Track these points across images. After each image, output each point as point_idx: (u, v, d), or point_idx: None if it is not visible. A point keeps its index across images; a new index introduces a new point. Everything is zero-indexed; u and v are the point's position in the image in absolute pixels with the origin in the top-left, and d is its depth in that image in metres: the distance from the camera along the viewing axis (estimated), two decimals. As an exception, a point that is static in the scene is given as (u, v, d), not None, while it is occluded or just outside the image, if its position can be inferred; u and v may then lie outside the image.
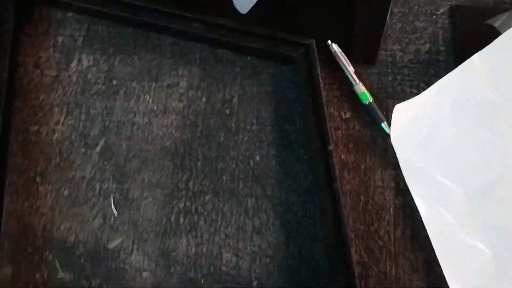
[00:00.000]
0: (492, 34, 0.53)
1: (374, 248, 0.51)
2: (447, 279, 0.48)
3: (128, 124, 0.56)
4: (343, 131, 0.54)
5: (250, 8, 0.53)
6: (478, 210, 0.50)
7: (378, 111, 0.54)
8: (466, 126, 0.53)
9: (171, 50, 0.58)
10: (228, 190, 0.53)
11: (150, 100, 0.56)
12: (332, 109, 0.55)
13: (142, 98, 0.57)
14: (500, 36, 0.52)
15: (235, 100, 0.56)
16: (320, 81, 0.53)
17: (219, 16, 0.56)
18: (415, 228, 0.51)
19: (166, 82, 0.57)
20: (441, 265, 0.49)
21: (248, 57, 0.57)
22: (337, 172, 0.50)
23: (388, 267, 0.50)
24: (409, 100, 0.53)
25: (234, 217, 0.52)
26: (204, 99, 0.56)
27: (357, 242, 0.51)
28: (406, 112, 0.53)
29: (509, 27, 0.52)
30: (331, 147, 0.51)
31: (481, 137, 0.52)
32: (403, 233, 0.51)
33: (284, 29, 0.55)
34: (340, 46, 0.56)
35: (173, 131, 0.55)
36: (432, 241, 0.50)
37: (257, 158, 0.54)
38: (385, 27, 0.57)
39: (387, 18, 0.57)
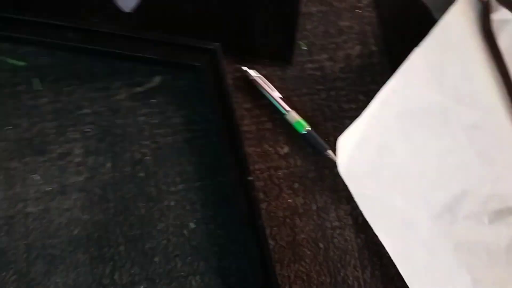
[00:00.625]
0: (426, 21, 0.46)
1: (345, 300, 0.45)
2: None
3: (20, 217, 0.44)
4: (284, 170, 0.46)
5: (134, 4, 0.42)
6: (447, 231, 0.46)
7: (319, 139, 0.46)
8: (418, 138, 0.46)
9: (53, 108, 0.45)
10: (165, 273, 0.44)
11: (40, 181, 0.44)
12: (266, 146, 0.46)
13: (29, 180, 0.44)
14: (436, 27, 0.45)
15: (148, 158, 0.46)
16: (230, 93, 0.44)
17: (101, 20, 0.46)
18: (384, 267, 0.46)
19: (56, 152, 0.45)
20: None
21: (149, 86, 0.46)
22: (259, 206, 0.43)
23: (364, 318, 0.45)
24: (351, 127, 0.46)
25: (180, 306, 0.43)
26: (109, 164, 0.45)
27: (325, 298, 0.45)
28: (351, 140, 0.46)
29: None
30: (250, 177, 0.43)
31: (436, 146, 0.46)
32: (373, 275, 0.46)
33: (181, 33, 0.45)
34: (249, 46, 0.48)
35: (80, 214, 0.44)
36: (405, 278, 0.45)
37: (192, 225, 0.45)
38: (298, 14, 0.48)
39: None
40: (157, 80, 0.47)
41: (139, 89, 0.46)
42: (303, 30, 0.49)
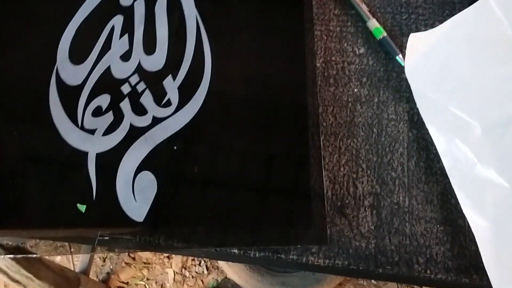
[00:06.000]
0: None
1: (387, 179, 0.49)
2: (464, 210, 0.46)
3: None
4: (356, 66, 0.53)
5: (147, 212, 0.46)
6: (495, 143, 0.48)
7: (393, 45, 0.53)
8: (482, 61, 0.51)
9: None
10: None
11: None
12: (345, 44, 0.54)
13: None
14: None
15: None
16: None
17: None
18: (430, 160, 0.49)
19: None
20: (458, 197, 0.47)
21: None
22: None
23: (401, 198, 0.48)
24: (425, 32, 0.52)
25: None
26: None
27: (369, 172, 0.49)
28: (421, 44, 0.52)
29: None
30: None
31: (498, 72, 0.51)
32: (417, 165, 0.49)
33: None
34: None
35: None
36: (448, 172, 0.48)
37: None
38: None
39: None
40: None
41: None
42: (396, -34, 0.58)
